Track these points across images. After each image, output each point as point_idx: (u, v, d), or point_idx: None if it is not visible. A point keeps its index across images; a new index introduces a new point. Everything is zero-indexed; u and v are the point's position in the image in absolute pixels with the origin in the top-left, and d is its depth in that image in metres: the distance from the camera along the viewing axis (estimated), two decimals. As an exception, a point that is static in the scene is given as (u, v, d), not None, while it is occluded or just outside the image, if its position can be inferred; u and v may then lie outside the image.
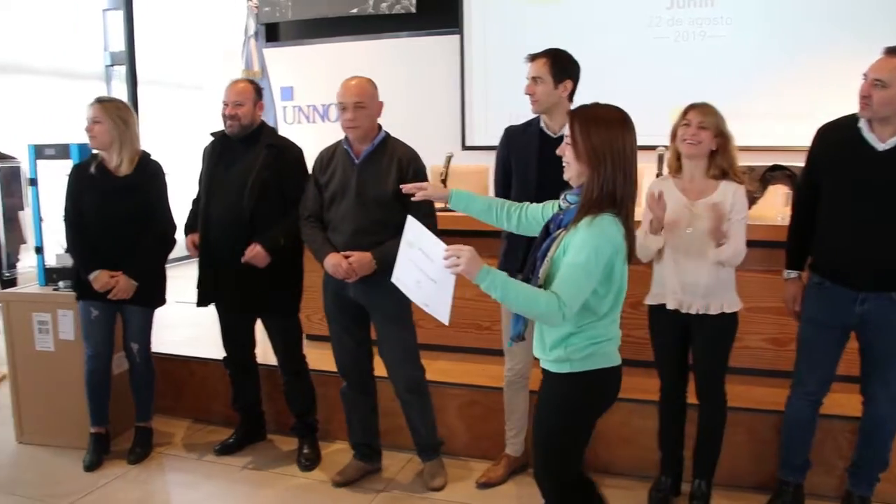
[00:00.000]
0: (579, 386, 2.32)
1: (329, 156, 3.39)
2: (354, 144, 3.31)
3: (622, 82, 6.50)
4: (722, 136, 3.00)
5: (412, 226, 2.40)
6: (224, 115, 3.57)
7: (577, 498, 2.51)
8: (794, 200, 3.18)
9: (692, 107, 3.03)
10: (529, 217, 2.64)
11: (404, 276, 2.40)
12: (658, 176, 3.99)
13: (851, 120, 2.89)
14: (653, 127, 6.23)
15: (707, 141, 2.99)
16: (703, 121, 2.98)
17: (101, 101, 3.64)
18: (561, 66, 3.16)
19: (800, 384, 3.09)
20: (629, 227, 2.23)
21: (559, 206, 2.36)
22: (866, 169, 2.83)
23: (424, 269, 2.28)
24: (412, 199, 2.82)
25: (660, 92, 6.49)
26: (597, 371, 2.32)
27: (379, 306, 3.32)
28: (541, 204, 2.63)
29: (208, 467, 3.82)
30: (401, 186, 2.88)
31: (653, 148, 4.28)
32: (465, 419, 3.82)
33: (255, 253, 3.43)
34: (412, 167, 3.27)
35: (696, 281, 3.01)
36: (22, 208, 5.49)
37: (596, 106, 2.26)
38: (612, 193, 2.17)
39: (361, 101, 3.22)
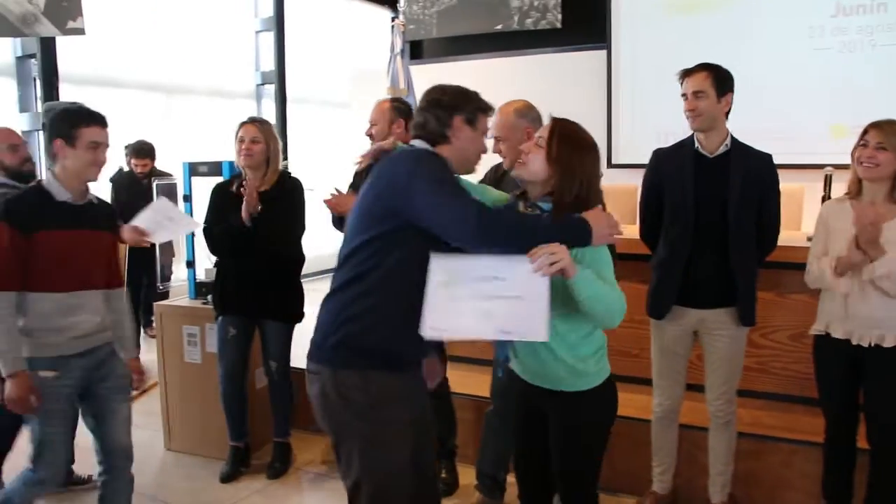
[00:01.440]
0: (605, 398, 2.35)
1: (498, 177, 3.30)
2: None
3: (780, 97, 6.18)
4: None
5: (441, 263, 2.10)
6: (370, 135, 3.60)
7: None
8: None
9: (873, 125, 2.77)
10: None
11: (453, 320, 2.08)
12: (824, 199, 3.68)
13: None
14: (813, 144, 5.98)
15: (888, 163, 2.72)
16: (883, 141, 2.71)
17: (258, 122, 3.73)
18: (722, 79, 2.96)
19: None
20: None
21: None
22: None
23: (496, 294, 2.05)
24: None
25: (820, 108, 6.13)
26: (609, 379, 2.36)
27: None
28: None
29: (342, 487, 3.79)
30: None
31: (813, 167, 3.97)
32: (609, 451, 3.62)
33: None
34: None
35: (867, 311, 2.75)
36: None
37: (577, 129, 2.34)
38: (580, 199, 2.21)
39: (499, 135, 3.14)
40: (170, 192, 5.55)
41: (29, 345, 2.68)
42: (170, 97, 7.20)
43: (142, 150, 5.96)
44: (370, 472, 2.24)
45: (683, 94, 2.99)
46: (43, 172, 4.19)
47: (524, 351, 2.33)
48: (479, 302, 2.06)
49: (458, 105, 2.29)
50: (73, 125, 2.69)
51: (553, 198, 2.22)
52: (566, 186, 2.21)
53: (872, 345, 2.77)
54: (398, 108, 3.63)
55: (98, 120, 2.73)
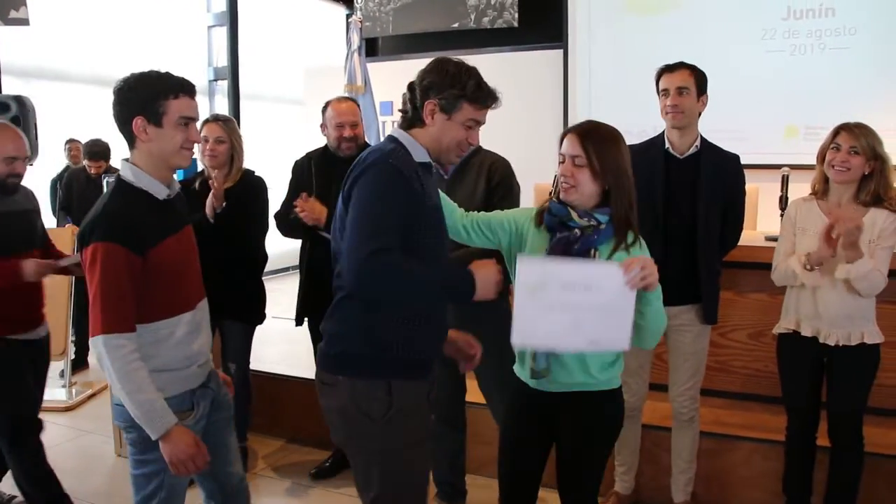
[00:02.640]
0: (620, 399, 2.35)
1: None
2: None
3: (733, 98, 6.23)
4: (877, 160, 2.75)
5: (530, 266, 2.05)
6: (341, 137, 3.44)
7: None
8: None
9: (843, 127, 2.80)
10: (483, 228, 2.36)
11: (542, 328, 2.03)
12: (782, 199, 3.73)
13: None
14: (766, 145, 6.07)
15: (859, 166, 2.76)
16: (856, 144, 2.74)
17: (222, 120, 3.65)
18: (702, 78, 3.01)
19: None
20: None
21: (573, 224, 2.17)
22: None
23: (584, 304, 2.00)
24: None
25: (773, 109, 6.23)
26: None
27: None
28: (477, 214, 2.40)
29: (302, 491, 3.76)
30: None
31: (770, 167, 4.02)
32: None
33: None
34: (498, 173, 3.06)
35: (837, 310, 2.79)
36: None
37: (599, 125, 2.23)
38: (632, 205, 2.19)
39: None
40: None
41: (161, 381, 2.12)
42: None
43: (96, 153, 5.75)
44: (393, 486, 2.11)
45: (664, 91, 3.00)
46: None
47: (554, 363, 2.24)
48: (568, 311, 2.01)
49: (436, 87, 2.08)
50: (156, 98, 2.12)
51: (615, 216, 2.17)
52: (619, 199, 2.16)
53: (840, 343, 2.80)
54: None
55: (188, 90, 2.17)
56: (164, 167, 2.17)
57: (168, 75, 2.16)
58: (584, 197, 2.17)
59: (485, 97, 2.11)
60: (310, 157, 3.63)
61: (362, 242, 1.92)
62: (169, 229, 2.17)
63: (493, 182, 3.03)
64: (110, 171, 5.73)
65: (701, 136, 3.04)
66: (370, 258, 1.91)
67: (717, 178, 3.00)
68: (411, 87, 2.14)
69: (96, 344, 2.03)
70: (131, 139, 2.16)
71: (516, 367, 2.36)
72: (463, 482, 3.45)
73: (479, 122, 2.14)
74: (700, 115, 3.03)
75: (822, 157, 2.84)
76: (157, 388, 2.06)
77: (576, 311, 2.00)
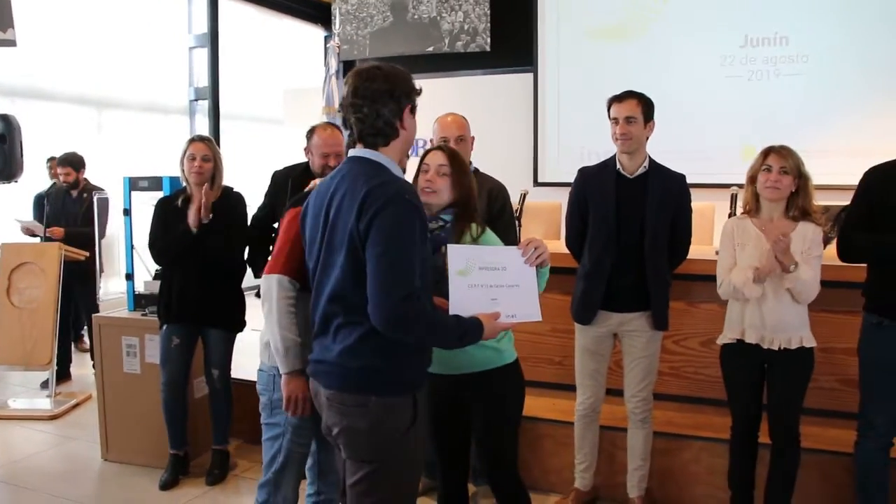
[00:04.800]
0: (519, 373, 2.74)
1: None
2: None
3: (694, 121, 6.58)
4: (801, 178, 3.02)
5: (458, 253, 2.32)
6: (326, 165, 3.54)
7: None
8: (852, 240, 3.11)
9: (771, 150, 3.05)
10: None
11: (472, 306, 2.26)
12: (731, 216, 3.98)
13: None
14: (726, 165, 6.36)
15: (788, 185, 3.01)
16: (785, 165, 3.00)
17: (207, 140, 3.88)
18: (648, 106, 3.27)
19: (869, 427, 3.06)
20: None
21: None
22: None
23: (498, 283, 2.32)
24: None
25: (733, 131, 6.53)
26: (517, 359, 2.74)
27: None
28: None
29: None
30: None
31: (725, 186, 4.28)
32: (536, 452, 3.85)
33: None
34: (500, 198, 3.38)
35: (779, 317, 3.01)
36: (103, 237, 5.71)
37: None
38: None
39: (463, 135, 3.41)
40: (104, 206, 5.60)
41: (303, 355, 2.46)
42: (101, 111, 7.20)
43: (65, 160, 5.82)
44: (400, 491, 2.22)
45: (614, 119, 3.26)
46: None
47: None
48: (486, 292, 2.30)
49: (409, 93, 2.20)
50: None
51: (458, 215, 2.55)
52: (461, 201, 2.57)
53: (781, 348, 3.02)
54: None
55: None
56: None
57: None
58: (443, 201, 2.56)
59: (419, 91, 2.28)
60: (288, 174, 3.78)
61: (396, 286, 2.01)
62: None
63: (494, 209, 3.32)
64: (88, 187, 5.85)
65: (649, 157, 3.31)
66: (402, 304, 2.01)
67: (664, 195, 3.26)
68: (380, 101, 2.14)
69: (269, 279, 2.50)
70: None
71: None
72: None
73: None
74: (648, 139, 3.29)
75: (752, 178, 3.10)
76: (301, 343, 2.46)
77: (494, 290, 2.31)
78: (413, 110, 2.23)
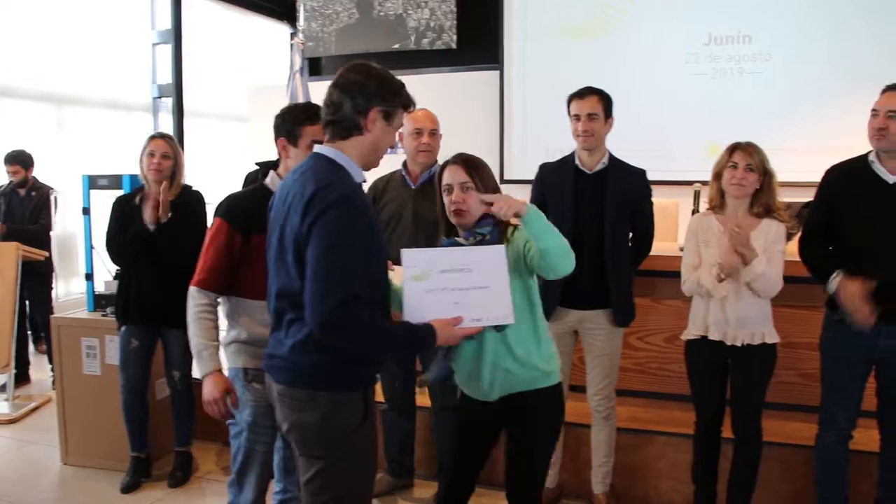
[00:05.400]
0: (562, 396, 2.58)
1: (383, 185, 3.53)
2: (413, 170, 3.46)
3: (659, 118, 6.61)
4: (766, 175, 3.04)
5: (413, 257, 2.26)
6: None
7: None
8: (809, 240, 3.16)
9: (737, 147, 3.06)
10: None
11: (428, 312, 2.19)
12: (694, 212, 4.01)
13: (860, 158, 3.01)
14: (690, 162, 6.40)
15: (754, 182, 3.03)
16: (751, 162, 3.01)
17: (167, 138, 3.82)
18: (608, 103, 3.28)
19: (829, 421, 3.09)
20: None
21: (463, 242, 2.43)
22: (878, 202, 2.91)
23: (463, 285, 2.22)
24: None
25: (697, 128, 6.57)
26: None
27: None
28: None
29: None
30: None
31: (689, 183, 4.31)
32: (499, 449, 3.83)
33: None
34: None
35: (742, 313, 3.03)
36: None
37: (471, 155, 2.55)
38: None
39: (436, 129, 3.44)
40: (47, 201, 5.49)
41: (246, 354, 2.66)
42: (61, 108, 7.08)
43: (13, 157, 5.69)
44: (353, 489, 2.20)
45: (575, 116, 3.26)
46: None
47: (489, 372, 2.44)
48: (449, 293, 2.22)
49: (383, 95, 2.13)
50: (297, 124, 2.65)
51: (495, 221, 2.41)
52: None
53: (744, 343, 3.04)
54: None
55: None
56: None
57: (306, 105, 2.78)
58: (473, 218, 2.44)
59: (412, 103, 2.24)
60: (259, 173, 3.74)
61: (330, 291, 1.96)
62: None
63: None
64: (36, 185, 5.72)
65: (609, 153, 3.32)
66: (338, 309, 1.96)
67: (624, 191, 3.27)
68: (349, 93, 2.11)
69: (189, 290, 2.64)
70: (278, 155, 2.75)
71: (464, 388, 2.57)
72: (412, 461, 3.74)
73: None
74: (607, 134, 3.30)
75: (717, 174, 3.12)
76: (217, 346, 2.60)
77: (456, 292, 2.22)
78: (388, 117, 2.15)
